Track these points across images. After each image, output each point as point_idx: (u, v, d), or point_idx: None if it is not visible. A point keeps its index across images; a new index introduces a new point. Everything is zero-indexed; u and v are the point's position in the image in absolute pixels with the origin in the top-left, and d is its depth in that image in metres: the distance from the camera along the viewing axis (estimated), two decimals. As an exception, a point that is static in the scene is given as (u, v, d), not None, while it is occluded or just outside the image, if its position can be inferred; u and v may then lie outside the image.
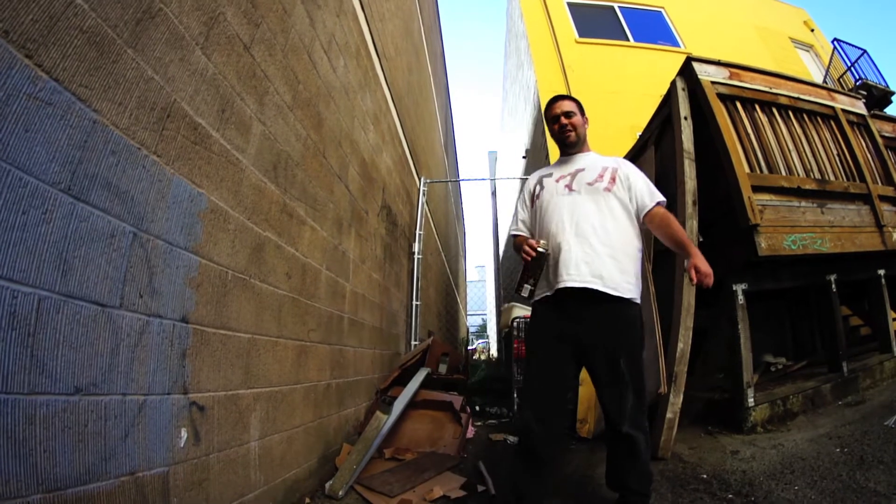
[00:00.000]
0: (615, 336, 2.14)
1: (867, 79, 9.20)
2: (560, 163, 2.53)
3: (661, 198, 2.33)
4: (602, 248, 2.17)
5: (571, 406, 4.09)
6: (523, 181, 2.70)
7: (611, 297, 2.12)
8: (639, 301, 2.24)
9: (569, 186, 2.36)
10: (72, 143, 1.15)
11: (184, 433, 1.54)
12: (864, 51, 9.71)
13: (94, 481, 1.18)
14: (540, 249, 2.16)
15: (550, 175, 2.49)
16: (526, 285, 2.21)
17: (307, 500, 2.51)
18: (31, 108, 1.05)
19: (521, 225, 2.58)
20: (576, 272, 2.15)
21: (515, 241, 2.51)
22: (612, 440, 2.22)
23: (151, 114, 1.41)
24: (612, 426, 2.17)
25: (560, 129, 2.47)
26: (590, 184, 2.32)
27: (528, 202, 2.56)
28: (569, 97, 2.59)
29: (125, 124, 1.31)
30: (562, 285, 2.16)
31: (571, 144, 2.46)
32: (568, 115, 2.46)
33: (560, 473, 2.52)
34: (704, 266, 2.08)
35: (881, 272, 4.45)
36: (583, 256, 2.16)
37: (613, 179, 2.33)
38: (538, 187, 2.50)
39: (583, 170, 2.38)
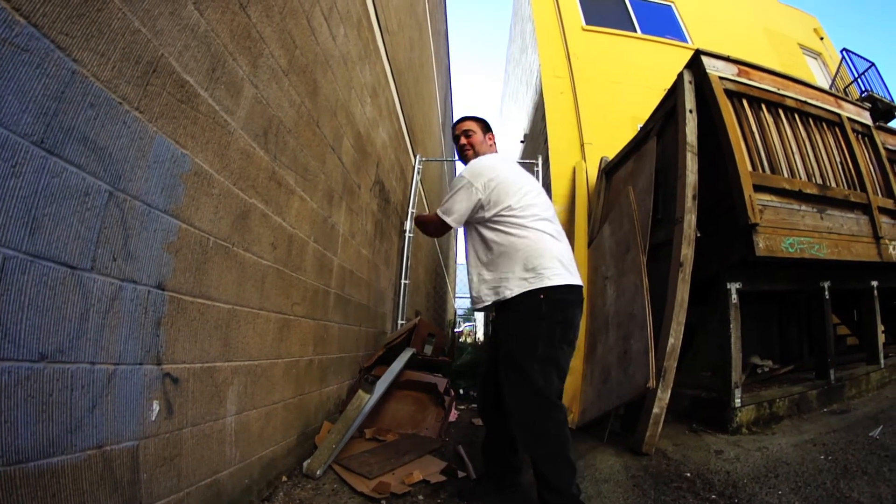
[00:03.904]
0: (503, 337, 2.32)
1: (873, 91, 9.16)
2: None
3: (442, 207, 2.47)
4: (471, 272, 2.45)
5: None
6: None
7: (488, 307, 2.36)
8: (512, 295, 2.24)
9: None
10: (48, 93, 1.06)
11: (156, 406, 1.47)
12: (872, 63, 9.68)
13: (58, 454, 1.11)
14: None
15: None
16: None
17: (284, 479, 2.47)
18: (6, 53, 0.97)
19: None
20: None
21: None
22: None
23: (136, 67, 1.32)
24: None
25: (459, 149, 2.73)
26: None
27: None
28: (473, 118, 2.80)
29: (107, 77, 1.22)
30: None
31: (468, 161, 2.66)
32: (467, 133, 2.71)
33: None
34: None
35: (874, 283, 4.45)
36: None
37: None
38: None
39: None
